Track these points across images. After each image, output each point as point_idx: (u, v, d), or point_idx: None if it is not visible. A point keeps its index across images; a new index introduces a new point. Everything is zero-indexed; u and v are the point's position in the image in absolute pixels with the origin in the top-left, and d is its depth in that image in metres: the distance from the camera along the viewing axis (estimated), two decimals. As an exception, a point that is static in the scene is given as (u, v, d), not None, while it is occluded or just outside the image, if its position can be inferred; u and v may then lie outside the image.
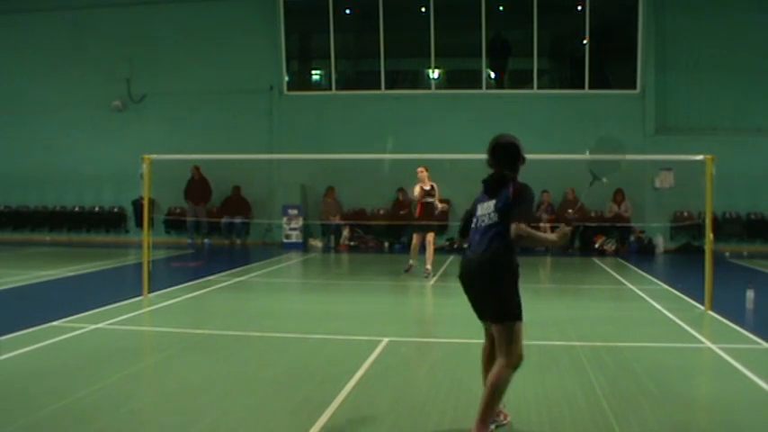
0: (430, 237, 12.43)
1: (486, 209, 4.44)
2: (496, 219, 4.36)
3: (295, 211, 18.35)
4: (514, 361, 4.29)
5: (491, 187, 4.50)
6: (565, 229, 4.58)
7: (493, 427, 4.43)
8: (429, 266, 12.35)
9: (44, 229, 20.38)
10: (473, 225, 4.52)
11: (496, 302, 4.31)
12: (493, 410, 4.27)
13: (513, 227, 4.25)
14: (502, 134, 4.69)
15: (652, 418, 4.77)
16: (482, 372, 4.63)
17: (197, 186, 18.80)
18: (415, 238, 12.59)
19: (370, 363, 6.23)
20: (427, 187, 12.49)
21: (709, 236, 9.09)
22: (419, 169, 12.55)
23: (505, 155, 4.55)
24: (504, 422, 4.65)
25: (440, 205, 12.72)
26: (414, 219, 12.87)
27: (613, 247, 17.29)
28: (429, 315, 9.31)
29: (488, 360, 4.55)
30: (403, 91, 19.58)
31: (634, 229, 17.81)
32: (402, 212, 18.39)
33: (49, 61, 20.22)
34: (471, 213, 4.58)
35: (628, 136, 17.57)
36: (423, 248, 12.56)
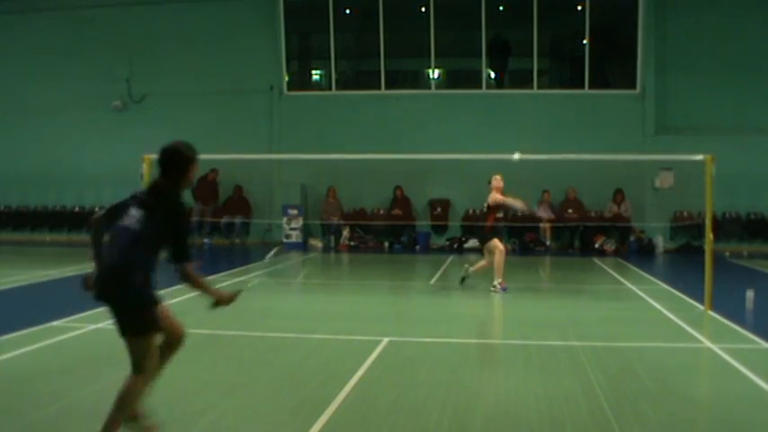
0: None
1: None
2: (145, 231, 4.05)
3: (295, 211, 18.35)
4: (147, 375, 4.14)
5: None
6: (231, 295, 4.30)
7: None
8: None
9: (44, 229, 20.35)
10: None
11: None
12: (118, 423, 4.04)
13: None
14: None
15: (652, 418, 4.77)
16: None
17: (210, 187, 18.85)
18: (499, 253, 10.60)
19: (370, 363, 6.23)
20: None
21: (709, 236, 9.08)
22: (497, 177, 10.83)
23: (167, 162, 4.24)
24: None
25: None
26: (487, 230, 10.86)
27: (613, 247, 17.29)
28: (429, 315, 9.30)
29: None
30: (403, 91, 19.58)
31: (634, 229, 17.81)
32: (396, 212, 18.41)
33: (49, 61, 20.20)
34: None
35: (628, 136, 17.67)
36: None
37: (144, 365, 4.09)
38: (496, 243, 10.61)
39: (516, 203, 10.94)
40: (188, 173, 4.25)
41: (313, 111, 19.41)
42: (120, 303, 4.04)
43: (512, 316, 9.62)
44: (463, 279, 10.94)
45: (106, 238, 4.17)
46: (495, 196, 10.62)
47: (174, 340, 4.37)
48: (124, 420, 4.11)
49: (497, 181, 10.75)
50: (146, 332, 4.08)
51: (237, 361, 6.46)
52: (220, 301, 4.26)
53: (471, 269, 10.97)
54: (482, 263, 10.95)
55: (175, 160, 4.24)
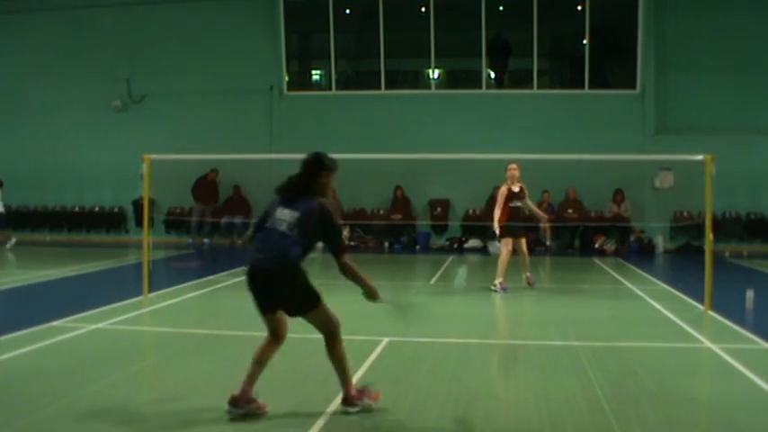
0: (525, 245, 11.02)
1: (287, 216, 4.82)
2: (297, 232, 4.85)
3: (295, 211, 18.31)
4: (335, 330, 4.94)
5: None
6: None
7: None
8: (530, 274, 11.17)
9: (44, 229, 20.35)
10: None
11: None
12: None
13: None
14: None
15: (652, 418, 4.77)
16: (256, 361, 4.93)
17: (209, 187, 18.86)
18: (505, 252, 10.68)
19: (370, 363, 6.23)
20: (516, 189, 10.69)
21: (709, 236, 9.08)
22: (511, 166, 10.72)
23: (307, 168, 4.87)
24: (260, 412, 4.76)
25: (537, 211, 11.45)
26: (501, 230, 10.70)
27: (613, 247, 17.29)
28: (429, 315, 9.29)
29: (268, 348, 5.02)
30: (403, 91, 19.56)
31: (634, 229, 17.81)
32: (396, 215, 18.40)
33: (50, 61, 20.18)
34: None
35: (628, 136, 17.66)
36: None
37: (330, 329, 4.91)
38: (506, 241, 10.69)
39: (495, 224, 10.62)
40: (321, 179, 4.83)
41: (313, 111, 19.40)
42: (291, 294, 4.98)
43: (512, 316, 9.62)
44: (529, 284, 11.05)
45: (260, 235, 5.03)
46: (503, 191, 10.66)
47: (280, 335, 5.07)
48: (243, 404, 4.65)
49: (511, 170, 10.72)
50: (317, 303, 4.95)
51: (237, 361, 6.44)
52: (371, 295, 4.99)
53: (526, 272, 11.09)
54: (524, 262, 11.07)
55: (314, 167, 4.83)
